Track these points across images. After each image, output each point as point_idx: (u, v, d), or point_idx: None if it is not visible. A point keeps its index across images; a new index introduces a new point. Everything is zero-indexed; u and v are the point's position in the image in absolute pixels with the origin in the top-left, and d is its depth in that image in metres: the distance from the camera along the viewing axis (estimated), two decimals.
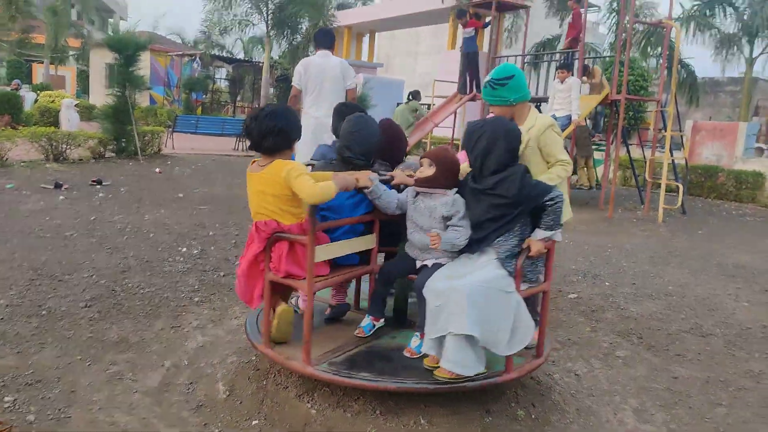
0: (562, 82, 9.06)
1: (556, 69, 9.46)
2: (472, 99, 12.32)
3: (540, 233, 2.78)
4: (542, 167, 3.08)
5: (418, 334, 2.85)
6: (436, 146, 3.07)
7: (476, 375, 2.61)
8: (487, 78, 3.08)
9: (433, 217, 2.83)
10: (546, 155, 3.06)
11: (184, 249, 5.33)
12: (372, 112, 6.55)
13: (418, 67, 31.45)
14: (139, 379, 2.91)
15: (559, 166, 3.04)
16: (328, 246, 2.77)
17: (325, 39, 6.06)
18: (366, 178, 2.79)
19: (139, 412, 2.62)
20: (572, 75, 9.28)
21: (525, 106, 3.07)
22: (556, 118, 9.04)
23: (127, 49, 11.30)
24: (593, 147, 11.28)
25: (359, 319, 3.12)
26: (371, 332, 3.03)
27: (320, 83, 5.82)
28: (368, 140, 2.98)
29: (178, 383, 2.92)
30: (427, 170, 2.84)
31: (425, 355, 2.75)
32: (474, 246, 2.79)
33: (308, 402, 2.68)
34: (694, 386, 3.30)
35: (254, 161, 2.85)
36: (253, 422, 2.60)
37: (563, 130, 8.94)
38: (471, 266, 2.75)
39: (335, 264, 2.93)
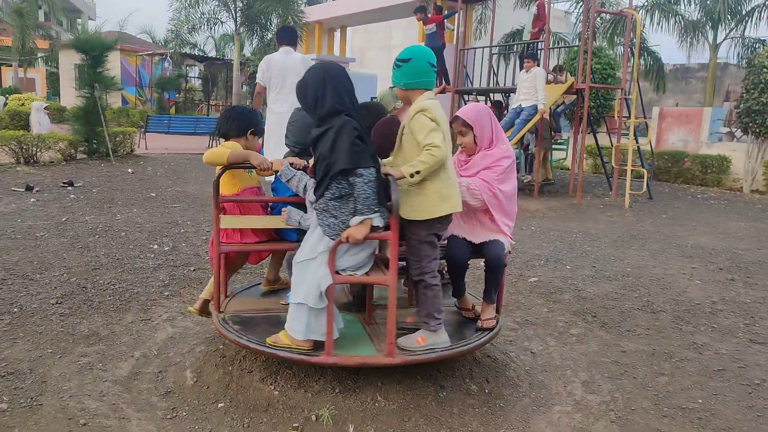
0: (527, 72, 9.26)
1: (522, 58, 9.66)
2: (442, 92, 12.48)
3: (353, 219, 2.57)
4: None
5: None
6: None
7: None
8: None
9: None
10: (417, 142, 2.66)
11: (156, 246, 5.42)
12: None
13: (391, 60, 31.51)
14: (108, 369, 3.03)
15: (425, 152, 2.60)
16: (236, 217, 3.08)
17: (287, 36, 6.19)
18: (279, 162, 2.98)
19: (109, 399, 2.74)
20: (538, 65, 9.48)
21: (417, 94, 2.75)
22: (522, 108, 9.26)
23: (94, 50, 11.24)
24: (557, 144, 11.54)
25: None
26: None
27: (283, 79, 5.94)
28: (302, 131, 3.17)
29: (147, 372, 3.04)
30: None
31: None
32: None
33: (271, 384, 2.82)
34: (641, 359, 3.50)
35: None
36: (219, 405, 2.73)
37: (530, 119, 9.16)
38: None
39: (280, 239, 3.21)
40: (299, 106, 3.64)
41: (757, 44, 16.48)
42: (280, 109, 5.75)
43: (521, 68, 9.69)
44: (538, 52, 10.80)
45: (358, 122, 2.63)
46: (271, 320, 3.07)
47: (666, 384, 3.17)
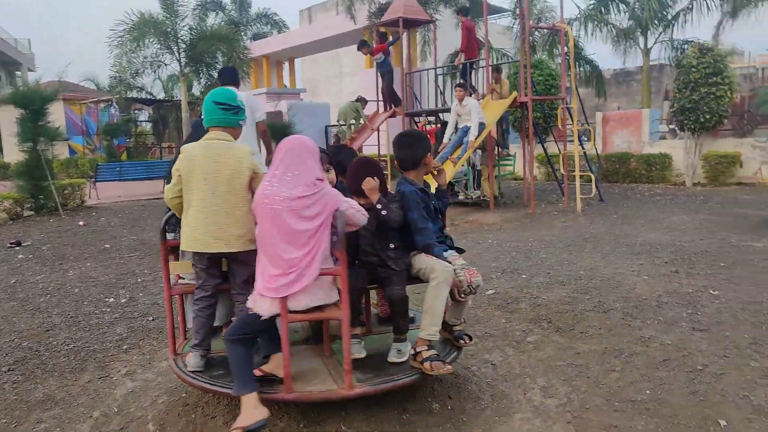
0: (460, 102, 9.57)
1: (455, 87, 9.94)
2: (392, 115, 12.71)
3: None
4: None
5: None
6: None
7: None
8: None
9: None
10: None
11: (112, 299, 5.36)
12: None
13: (343, 88, 31.86)
14: None
15: None
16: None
17: (228, 75, 6.25)
18: None
19: None
20: (470, 94, 9.80)
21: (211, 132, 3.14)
22: (468, 128, 9.56)
23: (33, 103, 11.04)
24: (502, 161, 11.84)
25: None
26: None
27: None
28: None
29: (108, 431, 3.01)
30: None
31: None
32: None
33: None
34: (593, 358, 3.64)
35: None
36: None
37: (477, 137, 9.44)
38: None
39: None
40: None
41: (685, 45, 17.32)
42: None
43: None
44: (472, 72, 11.21)
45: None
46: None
47: (617, 380, 3.31)
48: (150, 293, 5.54)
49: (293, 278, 2.65)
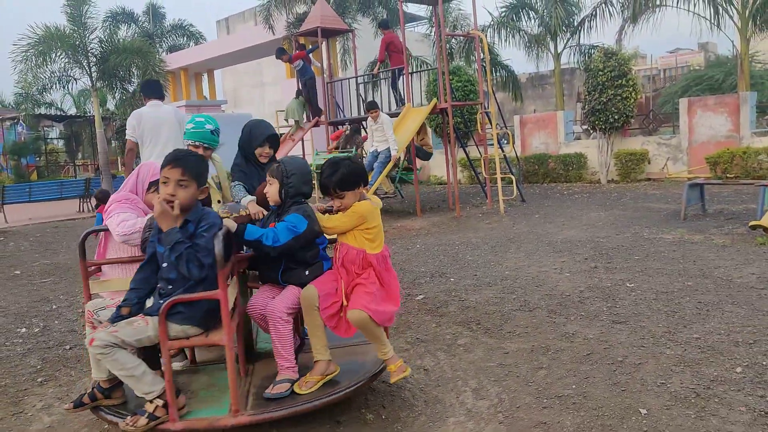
0: (375, 122, 9.72)
1: (366, 109, 10.08)
2: (316, 125, 12.66)
3: None
4: None
5: None
6: None
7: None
8: (213, 127, 3.64)
9: None
10: None
11: (24, 329, 5.03)
12: (223, 150, 6.63)
13: (266, 97, 31.47)
14: None
15: None
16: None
17: (152, 89, 6.09)
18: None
19: None
20: (401, 102, 10.01)
21: None
22: (378, 152, 9.78)
23: None
24: (402, 174, 12.11)
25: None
26: None
27: (157, 133, 5.82)
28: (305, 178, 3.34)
29: None
30: None
31: None
32: None
33: None
34: (522, 357, 3.76)
35: (368, 202, 3.10)
36: None
37: (386, 164, 9.62)
38: None
39: None
40: None
41: (591, 50, 18.31)
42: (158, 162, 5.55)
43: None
44: (400, 78, 11.39)
45: None
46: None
47: (545, 377, 3.42)
48: (66, 320, 5.24)
49: None
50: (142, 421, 2.63)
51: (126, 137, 6.03)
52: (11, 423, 3.31)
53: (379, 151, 9.76)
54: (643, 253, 6.29)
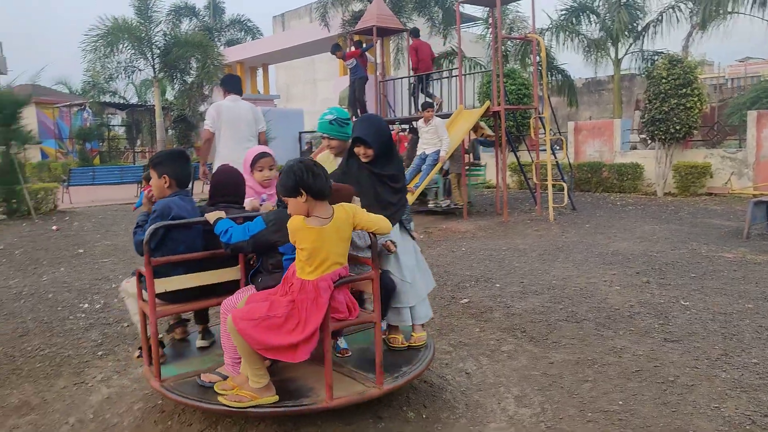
0: (426, 123, 9.70)
1: (421, 108, 10.10)
2: None
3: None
4: None
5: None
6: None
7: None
8: (334, 116, 3.51)
9: (365, 237, 3.18)
10: None
11: (86, 305, 5.29)
12: (273, 144, 6.77)
13: (318, 94, 31.89)
14: None
15: None
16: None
17: (233, 84, 6.27)
18: None
19: None
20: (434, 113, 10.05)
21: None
22: (426, 155, 9.74)
23: (5, 108, 10.89)
24: (472, 171, 11.99)
25: None
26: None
27: (235, 126, 5.98)
28: None
29: None
30: None
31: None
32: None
33: None
34: (567, 368, 3.72)
35: (301, 218, 2.70)
36: None
37: (434, 166, 9.60)
38: (400, 248, 3.39)
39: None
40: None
41: (655, 56, 17.76)
42: (232, 156, 5.59)
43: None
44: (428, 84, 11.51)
45: None
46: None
47: (590, 390, 3.39)
48: (122, 298, 5.48)
49: None
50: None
51: (204, 127, 6.18)
52: (74, 392, 3.52)
53: (427, 153, 9.75)
54: (700, 270, 6.11)
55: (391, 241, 3.30)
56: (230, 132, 5.98)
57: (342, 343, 3.43)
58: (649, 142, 14.45)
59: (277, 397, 2.75)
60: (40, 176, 19.01)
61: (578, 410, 3.14)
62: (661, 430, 2.88)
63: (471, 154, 11.58)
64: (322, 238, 2.66)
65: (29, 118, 15.12)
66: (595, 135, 15.61)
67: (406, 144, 11.76)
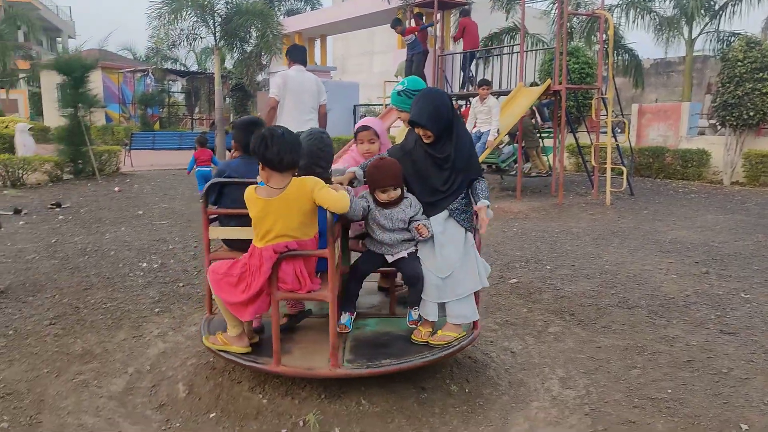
0: (482, 101, 9.50)
1: (477, 85, 9.91)
2: None
3: (483, 201, 3.12)
4: None
5: (412, 310, 3.27)
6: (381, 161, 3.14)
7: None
8: (403, 88, 3.39)
9: (395, 220, 3.13)
10: None
11: (145, 264, 5.53)
12: (328, 116, 6.81)
13: (374, 67, 31.76)
14: (104, 386, 3.15)
15: None
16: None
17: (298, 54, 6.32)
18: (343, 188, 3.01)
19: (106, 414, 2.86)
20: (468, 83, 9.79)
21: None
22: (481, 133, 9.56)
23: (75, 71, 11.34)
24: (544, 135, 11.73)
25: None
26: (351, 325, 3.32)
27: (299, 97, 6.05)
28: (331, 155, 3.27)
29: (141, 387, 3.16)
30: (393, 193, 3.09)
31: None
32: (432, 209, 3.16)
33: (260, 393, 2.95)
34: (615, 353, 3.66)
35: (255, 186, 2.77)
36: (211, 415, 2.86)
37: (486, 147, 9.43)
38: (441, 238, 3.13)
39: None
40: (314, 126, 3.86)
41: (732, 38, 16.81)
42: (294, 126, 5.72)
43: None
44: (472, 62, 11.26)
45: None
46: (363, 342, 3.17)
47: (638, 376, 3.32)
48: (180, 260, 5.70)
49: None
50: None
51: (270, 95, 6.24)
52: (132, 344, 3.71)
53: (481, 132, 9.60)
54: (766, 264, 5.84)
55: (424, 224, 3.10)
56: (294, 102, 6.04)
57: (344, 319, 3.27)
58: (719, 127, 13.74)
59: (248, 349, 2.96)
60: (104, 139, 19.81)
61: (624, 395, 3.09)
62: (710, 421, 2.80)
63: (536, 119, 11.36)
64: (266, 209, 2.70)
65: (95, 82, 15.70)
66: (660, 118, 14.98)
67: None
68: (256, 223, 2.74)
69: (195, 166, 9.26)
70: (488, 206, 3.11)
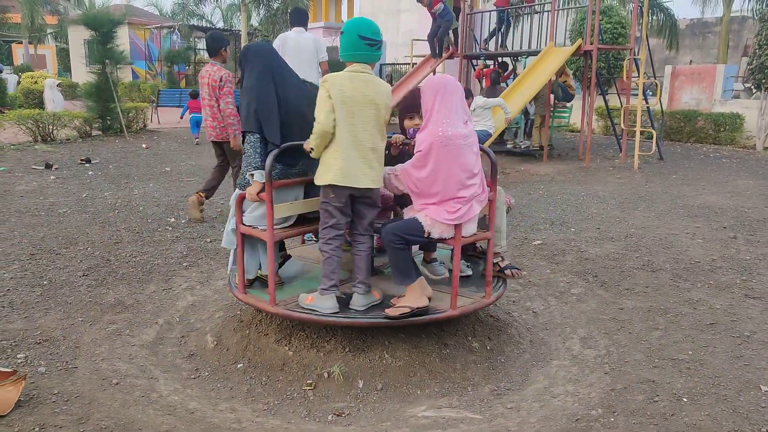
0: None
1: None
2: (450, 57, 12.44)
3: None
4: None
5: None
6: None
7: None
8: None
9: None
10: None
11: (173, 219, 5.64)
12: None
13: (401, 26, 31.13)
14: (135, 335, 3.27)
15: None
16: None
17: (299, 17, 6.64)
18: None
19: (138, 361, 2.98)
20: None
21: (351, 66, 2.88)
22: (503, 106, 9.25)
23: (103, 27, 11.36)
24: (557, 112, 11.45)
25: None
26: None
27: (297, 57, 6.32)
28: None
29: (171, 337, 3.27)
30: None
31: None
32: None
33: (286, 345, 3.03)
34: (637, 315, 3.66)
35: None
36: (238, 365, 2.96)
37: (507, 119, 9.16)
38: None
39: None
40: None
41: None
42: None
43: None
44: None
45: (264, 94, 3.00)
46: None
47: (659, 338, 3.33)
48: (207, 216, 5.80)
49: (469, 207, 2.90)
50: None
51: None
52: (162, 296, 3.83)
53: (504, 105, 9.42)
54: None
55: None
56: (294, 61, 6.30)
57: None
58: (754, 91, 13.29)
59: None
60: (130, 96, 19.92)
61: (645, 356, 3.11)
62: (730, 382, 2.81)
63: (554, 95, 11.09)
64: None
65: (122, 39, 15.70)
66: (693, 81, 14.53)
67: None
68: None
69: (188, 113, 11.66)
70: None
